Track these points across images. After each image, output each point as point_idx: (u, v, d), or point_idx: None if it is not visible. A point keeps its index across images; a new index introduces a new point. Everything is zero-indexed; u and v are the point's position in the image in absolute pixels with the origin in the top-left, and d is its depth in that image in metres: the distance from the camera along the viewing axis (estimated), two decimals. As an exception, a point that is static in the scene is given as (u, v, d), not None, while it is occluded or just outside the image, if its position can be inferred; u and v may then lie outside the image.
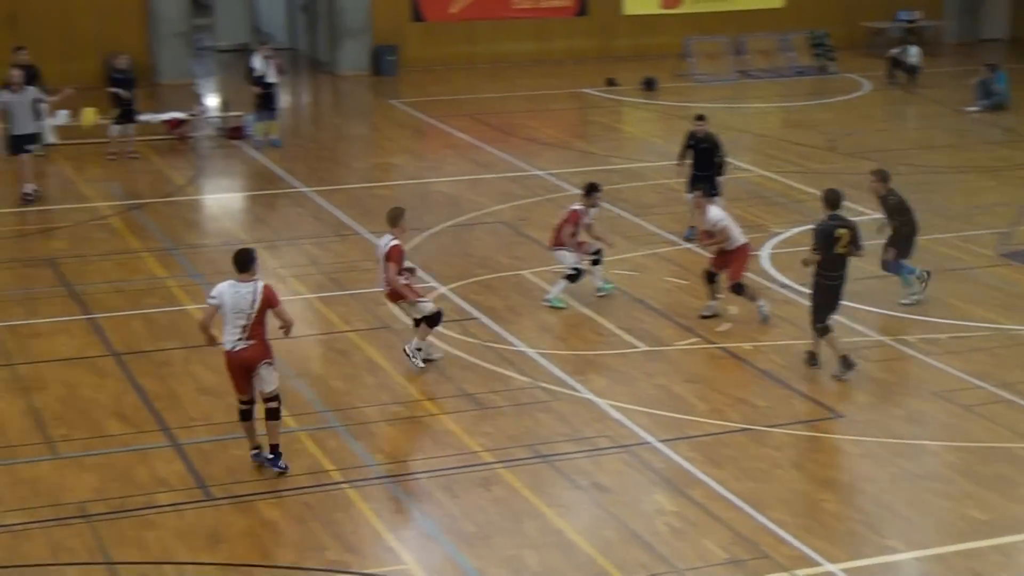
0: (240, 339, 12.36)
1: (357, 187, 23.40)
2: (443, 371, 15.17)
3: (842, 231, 14.90)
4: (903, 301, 17.16)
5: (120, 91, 24.62)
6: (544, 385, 14.89)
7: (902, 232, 17.09)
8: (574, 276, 17.22)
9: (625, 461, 13.13)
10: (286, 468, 12.66)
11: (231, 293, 12.32)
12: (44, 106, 24.80)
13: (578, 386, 14.84)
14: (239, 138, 26.51)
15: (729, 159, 20.30)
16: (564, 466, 13.04)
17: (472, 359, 15.55)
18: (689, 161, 19.88)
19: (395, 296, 15.03)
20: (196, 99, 28.83)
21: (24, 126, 21.92)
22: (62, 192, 22.88)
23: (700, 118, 19.94)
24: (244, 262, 12.45)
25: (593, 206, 17.32)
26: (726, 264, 16.59)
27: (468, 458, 13.13)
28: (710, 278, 16.78)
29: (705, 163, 19.65)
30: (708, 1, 36.93)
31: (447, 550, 11.49)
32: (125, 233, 20.32)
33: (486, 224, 21.09)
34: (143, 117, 25.92)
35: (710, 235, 16.67)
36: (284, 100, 28.29)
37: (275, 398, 12.65)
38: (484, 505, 12.22)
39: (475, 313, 17.00)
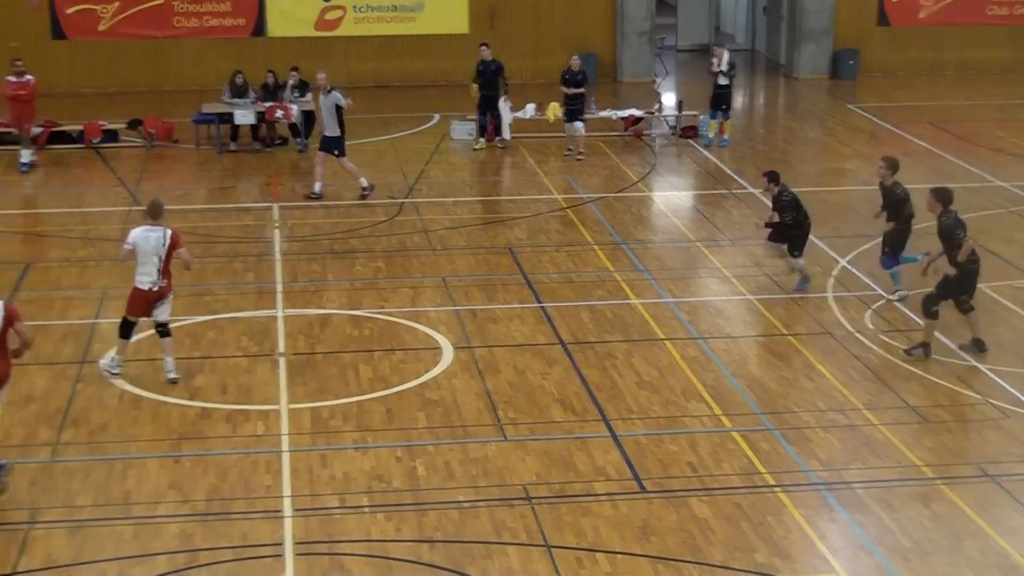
0: (155, 279, 14.55)
1: (807, 191, 23.02)
2: (886, 382, 14.84)
3: None
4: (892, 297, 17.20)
5: (567, 90, 25.34)
6: (995, 403, 14.31)
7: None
8: None
9: (1078, 489, 12.47)
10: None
11: (143, 237, 14.50)
12: (508, 104, 26.03)
13: (1032, 406, 14.18)
14: (692, 137, 26.80)
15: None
16: (1013, 487, 12.49)
17: (917, 371, 15.13)
18: None
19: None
20: (654, 97, 29.35)
21: (326, 128, 21.99)
22: (525, 183, 23.81)
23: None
24: (156, 210, 14.65)
25: None
26: None
27: (907, 471, 12.80)
28: None
29: None
30: None
31: (880, 563, 11.25)
32: (578, 225, 20.97)
33: (941, 234, 20.39)
34: (603, 113, 26.69)
35: None
36: (739, 101, 28.32)
37: (167, 324, 14.85)
38: (922, 520, 11.88)
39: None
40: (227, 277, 18.47)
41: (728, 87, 26.06)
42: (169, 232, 14.65)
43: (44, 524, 11.84)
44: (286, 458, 13.11)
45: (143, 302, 14.75)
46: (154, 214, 14.74)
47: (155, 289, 14.64)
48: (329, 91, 22.04)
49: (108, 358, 15.05)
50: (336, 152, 22.23)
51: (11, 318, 12.10)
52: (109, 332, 16.18)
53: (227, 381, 14.96)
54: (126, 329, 14.89)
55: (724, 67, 25.82)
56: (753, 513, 12.04)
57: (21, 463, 12.82)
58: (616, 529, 11.76)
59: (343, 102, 21.98)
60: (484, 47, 26.23)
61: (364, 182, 22.47)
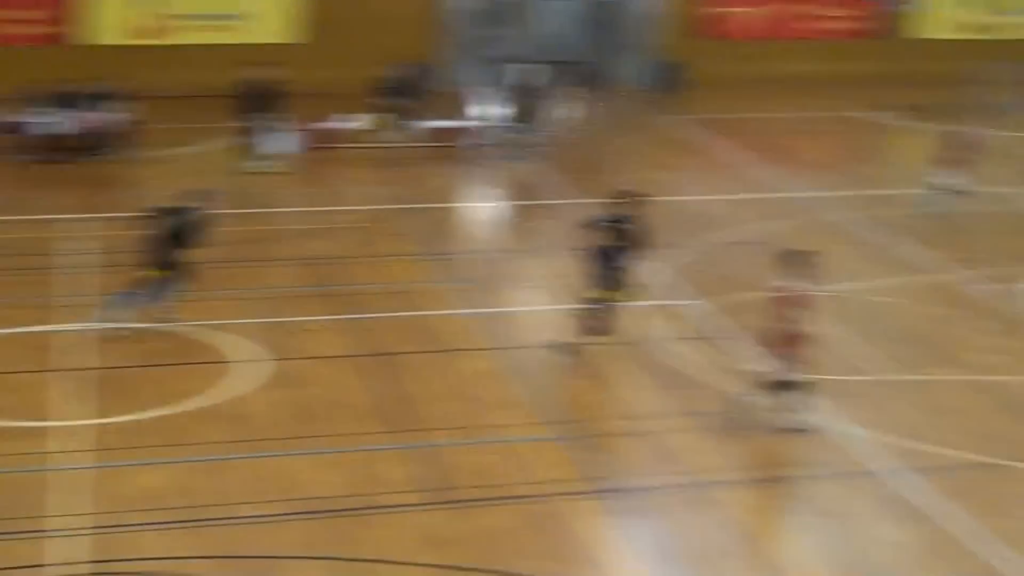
0: None
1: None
2: (669, 389, 15.15)
3: None
4: None
5: (388, 100, 25.91)
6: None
7: None
8: None
9: (855, 488, 12.93)
10: None
11: None
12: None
13: (819, 412, 14.41)
14: (505, 148, 26.65)
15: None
16: (791, 491, 12.93)
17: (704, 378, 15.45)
18: None
19: None
20: (470, 108, 29.38)
21: None
22: (333, 195, 23.63)
23: None
24: None
25: None
26: None
27: (690, 477, 13.08)
28: None
29: None
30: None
31: (664, 570, 11.52)
32: (383, 236, 20.94)
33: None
34: (422, 124, 26.66)
35: None
36: (560, 112, 28.41)
37: None
38: (705, 526, 12.18)
39: (730, 333, 16.75)
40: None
41: (539, 100, 26.20)
42: None
43: None
44: (72, 476, 12.83)
45: None
46: None
47: None
48: None
49: None
50: None
51: None
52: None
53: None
54: None
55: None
56: (540, 520, 12.10)
57: None
58: (403, 540, 11.71)
59: None
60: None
61: None
